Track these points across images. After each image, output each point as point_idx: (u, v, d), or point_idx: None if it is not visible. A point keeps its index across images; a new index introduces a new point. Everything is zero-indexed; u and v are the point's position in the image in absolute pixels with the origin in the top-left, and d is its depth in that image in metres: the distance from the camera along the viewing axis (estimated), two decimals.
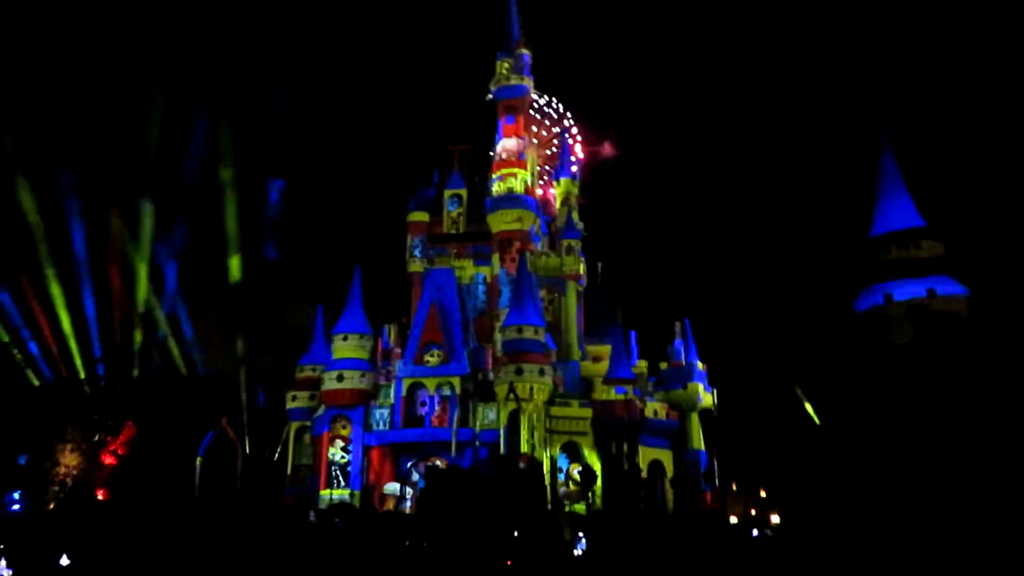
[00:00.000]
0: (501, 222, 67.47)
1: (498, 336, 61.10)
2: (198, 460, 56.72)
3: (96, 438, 61.04)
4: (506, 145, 70.54)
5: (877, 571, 31.46)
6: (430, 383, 58.47)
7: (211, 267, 77.24)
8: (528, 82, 72.46)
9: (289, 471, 60.63)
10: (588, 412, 57.83)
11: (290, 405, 62.20)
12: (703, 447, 62.19)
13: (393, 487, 56.87)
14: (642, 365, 66.91)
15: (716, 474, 57.07)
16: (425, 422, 57.92)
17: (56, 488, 57.31)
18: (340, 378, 58.17)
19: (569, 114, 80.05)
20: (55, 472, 58.31)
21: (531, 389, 55.36)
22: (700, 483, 59.15)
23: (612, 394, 58.68)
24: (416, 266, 68.55)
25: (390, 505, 55.83)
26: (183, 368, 71.80)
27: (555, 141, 79.18)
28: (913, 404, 42.29)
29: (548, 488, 51.48)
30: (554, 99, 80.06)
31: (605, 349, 64.11)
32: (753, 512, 53.56)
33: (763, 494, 55.33)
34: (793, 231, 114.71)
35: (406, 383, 58.63)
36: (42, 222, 68.66)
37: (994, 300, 54.73)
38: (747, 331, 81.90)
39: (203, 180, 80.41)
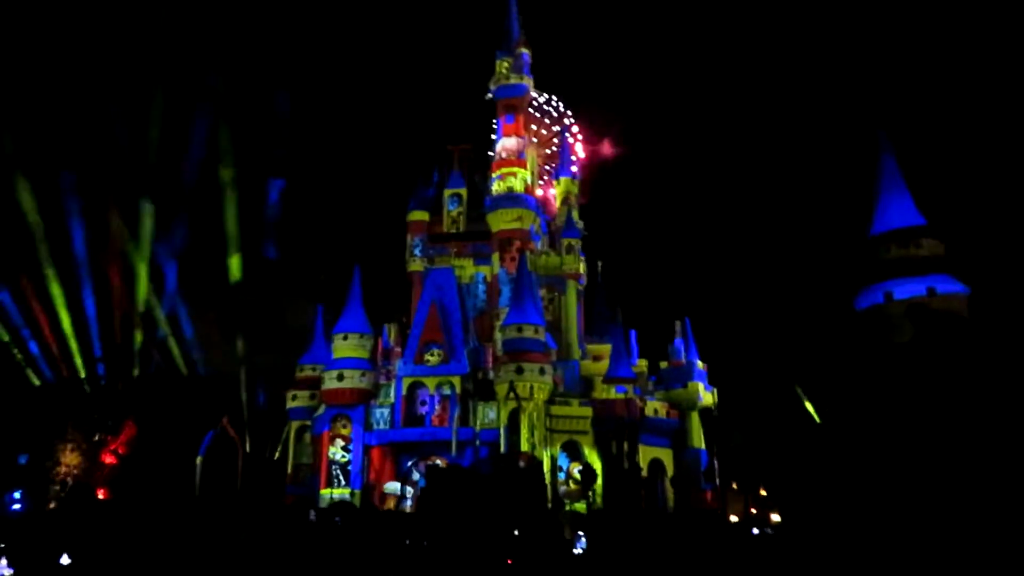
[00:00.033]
0: (501, 221, 67.47)
1: (498, 335, 61.14)
2: (199, 459, 56.91)
3: (96, 438, 61.18)
4: (506, 144, 70.52)
5: (877, 570, 31.46)
6: (430, 382, 58.52)
7: (211, 267, 77.41)
8: (528, 81, 72.38)
9: (289, 470, 60.81)
10: (588, 411, 57.91)
11: (290, 404, 62.32)
12: (703, 446, 62.11)
13: (393, 486, 56.91)
14: (642, 364, 66.94)
15: (716, 473, 56.92)
16: (425, 421, 57.96)
17: (57, 487, 57.47)
18: (340, 377, 58.25)
19: (569, 113, 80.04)
20: (56, 471, 58.48)
21: (531, 388, 55.41)
22: (700, 482, 59.22)
23: (612, 393, 58.65)
24: (416, 265, 68.61)
25: (390, 504, 55.88)
26: (183, 368, 71.97)
27: (555, 140, 79.01)
28: (913, 403, 42.21)
29: (548, 487, 51.57)
30: (554, 98, 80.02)
31: (605, 348, 64.12)
32: (753, 511, 53.69)
33: (763, 493, 55.45)
34: (793, 230, 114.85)
35: (406, 382, 58.68)
36: (42, 222, 68.86)
37: (994, 299, 54.75)
38: (747, 330, 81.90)
39: (203, 180, 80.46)
